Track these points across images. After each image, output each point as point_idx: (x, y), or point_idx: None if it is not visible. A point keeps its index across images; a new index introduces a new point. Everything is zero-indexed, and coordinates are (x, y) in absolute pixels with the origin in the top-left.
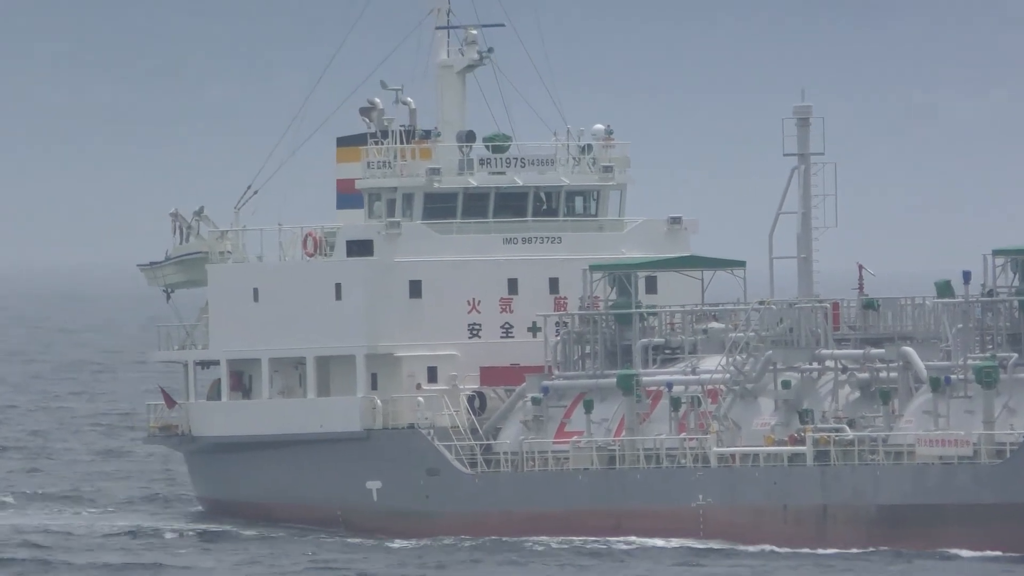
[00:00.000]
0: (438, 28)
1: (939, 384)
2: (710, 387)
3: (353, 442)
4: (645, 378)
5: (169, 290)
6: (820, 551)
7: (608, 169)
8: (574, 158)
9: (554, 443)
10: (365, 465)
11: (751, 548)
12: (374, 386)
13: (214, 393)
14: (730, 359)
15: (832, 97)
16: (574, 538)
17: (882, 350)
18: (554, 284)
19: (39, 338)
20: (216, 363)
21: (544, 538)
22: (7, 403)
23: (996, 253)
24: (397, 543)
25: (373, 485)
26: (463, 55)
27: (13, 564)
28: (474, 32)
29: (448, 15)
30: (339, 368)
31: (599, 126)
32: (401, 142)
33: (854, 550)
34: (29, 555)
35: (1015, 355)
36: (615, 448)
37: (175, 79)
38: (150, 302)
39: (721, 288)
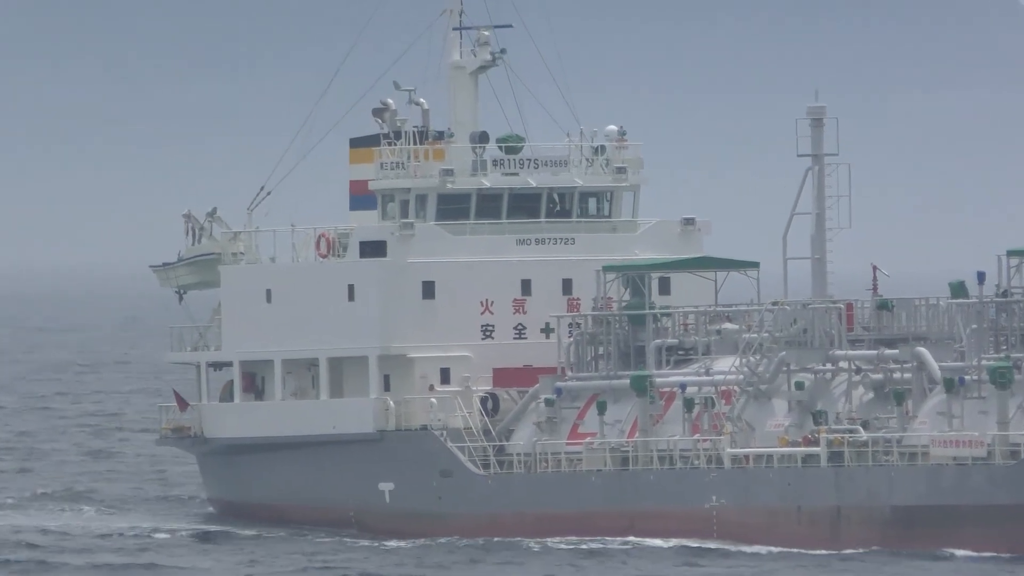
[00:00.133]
0: (454, 29)
1: (953, 385)
2: (724, 388)
3: (366, 443)
4: (658, 379)
5: (182, 291)
6: (822, 552)
7: (621, 170)
8: (587, 159)
9: (567, 444)
10: (378, 466)
11: (748, 549)
12: (387, 387)
13: (227, 395)
14: (744, 360)
15: (833, 97)
16: (576, 539)
17: (896, 351)
18: (567, 285)
19: (22, 338)
20: (229, 364)
21: (550, 539)
22: None
23: (1010, 254)
24: (393, 543)
25: (386, 486)
26: (475, 56)
27: (12, 565)
28: (487, 33)
29: (460, 16)
30: (352, 369)
31: (612, 127)
32: (414, 143)
33: (868, 550)
34: (27, 556)
35: None
36: (628, 449)
37: (179, 79)
38: (132, 301)
39: (734, 289)
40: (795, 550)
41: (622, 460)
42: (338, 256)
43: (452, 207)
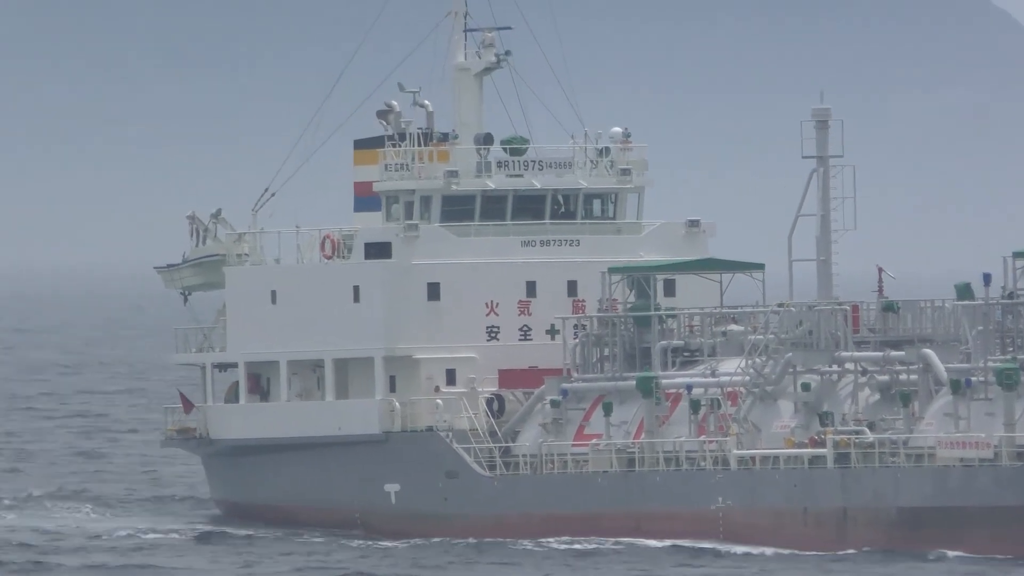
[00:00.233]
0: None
1: (959, 386)
2: (730, 389)
3: (371, 445)
4: (664, 380)
5: (186, 292)
6: (815, 553)
7: (626, 172)
8: (592, 161)
9: (573, 446)
10: (383, 468)
11: (741, 549)
12: (392, 388)
13: (232, 396)
14: (750, 361)
15: (833, 97)
16: (583, 539)
17: (902, 352)
18: (572, 287)
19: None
20: (234, 366)
21: (553, 540)
22: None
23: (1016, 255)
24: (388, 543)
25: (391, 488)
26: (480, 58)
27: (7, 565)
28: (492, 35)
29: (465, 18)
30: (357, 370)
31: (617, 129)
32: (419, 144)
33: (860, 551)
34: (23, 557)
35: None
36: (634, 451)
37: (180, 80)
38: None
39: (740, 291)
40: (801, 551)
41: (628, 461)
42: (343, 257)
43: (457, 209)
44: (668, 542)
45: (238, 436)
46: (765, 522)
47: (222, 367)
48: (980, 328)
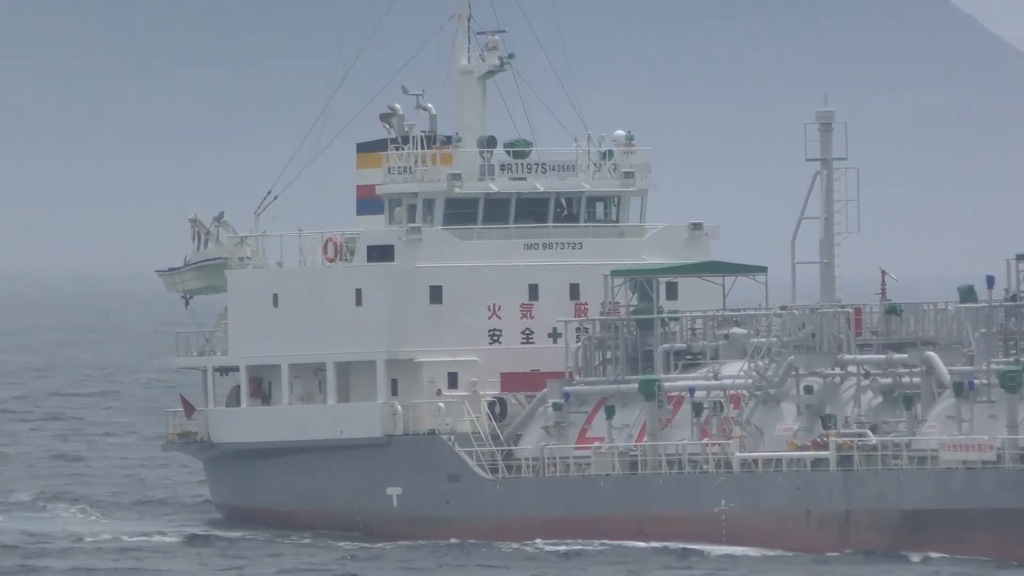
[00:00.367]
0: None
1: (962, 389)
2: (732, 392)
3: (373, 448)
4: (667, 383)
5: (188, 296)
6: (793, 554)
7: (629, 175)
8: (595, 164)
9: (575, 449)
10: (386, 471)
11: (716, 550)
12: (394, 392)
13: (233, 400)
14: (752, 364)
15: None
16: (582, 542)
17: (905, 355)
18: (575, 290)
19: None
20: (235, 369)
21: (539, 542)
22: None
23: (1020, 258)
24: (376, 545)
25: (393, 491)
26: (484, 61)
27: None
28: (495, 37)
29: (469, 20)
30: (359, 374)
31: (620, 132)
32: (422, 148)
33: (842, 554)
34: (9, 561)
35: None
36: (637, 454)
37: (184, 82)
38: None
39: (743, 294)
40: (804, 554)
41: (631, 464)
42: (345, 260)
43: (460, 212)
44: (654, 544)
45: (239, 440)
46: (768, 525)
47: (223, 371)
48: (983, 331)
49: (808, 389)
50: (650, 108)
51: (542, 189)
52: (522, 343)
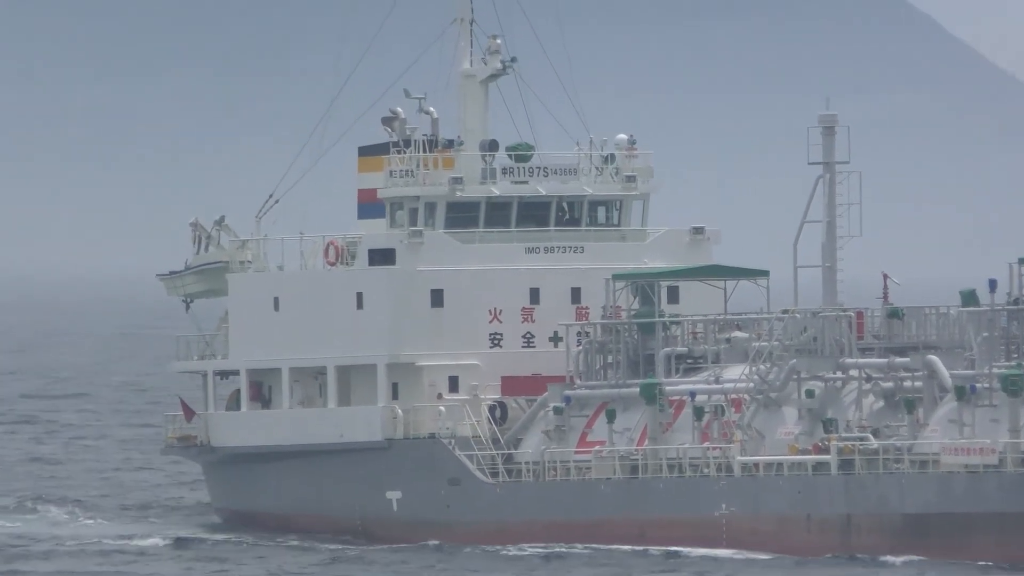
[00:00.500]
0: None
1: (964, 393)
2: (733, 396)
3: (374, 452)
4: (668, 387)
5: (189, 300)
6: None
7: (631, 179)
8: (597, 168)
9: (576, 453)
10: (386, 475)
11: (706, 553)
12: (395, 395)
13: (233, 403)
14: (754, 368)
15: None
16: (584, 547)
17: (907, 359)
18: (576, 294)
19: None
20: (236, 373)
21: (555, 546)
22: None
23: (1022, 261)
24: (361, 548)
25: (393, 495)
26: (486, 64)
27: None
28: (498, 41)
29: (471, 24)
30: (360, 377)
31: (622, 136)
32: (423, 151)
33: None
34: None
35: None
36: (638, 457)
37: (186, 84)
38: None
39: (744, 298)
40: (805, 558)
41: (631, 468)
42: (347, 264)
43: (461, 215)
44: (639, 547)
45: (239, 444)
46: (769, 529)
47: (224, 375)
48: (985, 334)
49: (809, 393)
50: (652, 112)
51: (544, 193)
52: (523, 347)
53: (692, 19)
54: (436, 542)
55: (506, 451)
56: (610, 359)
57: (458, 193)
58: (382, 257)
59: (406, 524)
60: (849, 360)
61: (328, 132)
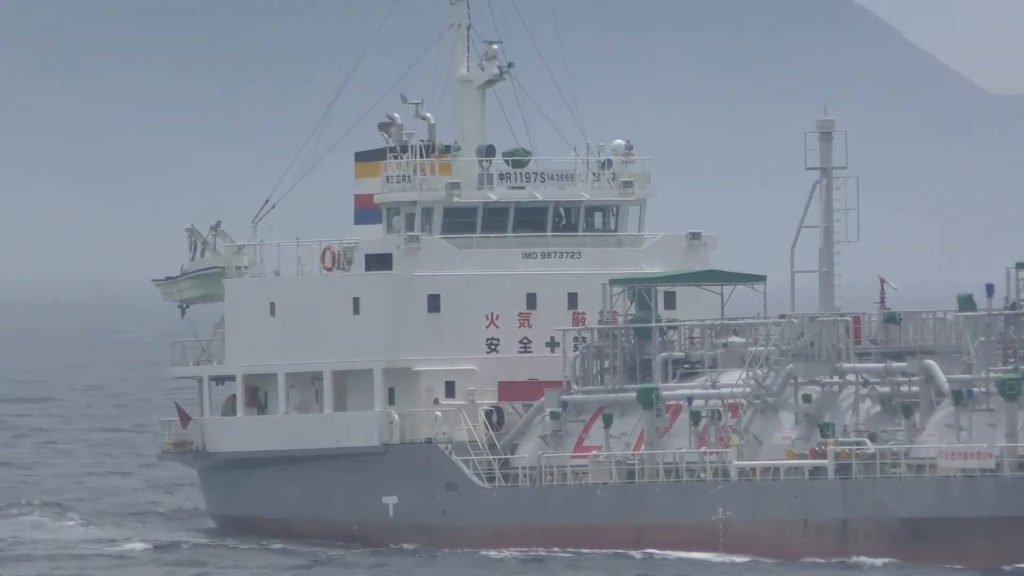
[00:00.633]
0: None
1: (961, 397)
2: (730, 401)
3: (370, 457)
4: (665, 392)
5: (184, 305)
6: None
7: (628, 184)
8: (594, 173)
9: (573, 457)
10: (382, 480)
11: (691, 556)
12: (391, 401)
13: (229, 409)
14: (751, 373)
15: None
16: (582, 551)
17: (904, 363)
18: (573, 299)
19: None
20: (232, 378)
21: (546, 550)
22: None
23: (1019, 266)
24: (342, 551)
25: (390, 500)
26: (483, 70)
27: None
28: (495, 46)
29: (468, 30)
30: (356, 383)
31: (619, 141)
32: (421, 156)
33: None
34: None
35: None
36: (634, 462)
37: (186, 86)
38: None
39: (741, 303)
40: (804, 562)
41: (628, 473)
42: (343, 269)
43: (458, 220)
44: (619, 550)
45: (235, 449)
46: (766, 533)
47: (220, 380)
48: (982, 339)
49: (806, 398)
50: (649, 117)
51: (541, 198)
52: (520, 352)
53: (689, 24)
54: (415, 546)
55: (503, 456)
56: (607, 364)
57: (455, 198)
58: (379, 262)
59: (402, 529)
60: (846, 365)
61: (325, 137)
